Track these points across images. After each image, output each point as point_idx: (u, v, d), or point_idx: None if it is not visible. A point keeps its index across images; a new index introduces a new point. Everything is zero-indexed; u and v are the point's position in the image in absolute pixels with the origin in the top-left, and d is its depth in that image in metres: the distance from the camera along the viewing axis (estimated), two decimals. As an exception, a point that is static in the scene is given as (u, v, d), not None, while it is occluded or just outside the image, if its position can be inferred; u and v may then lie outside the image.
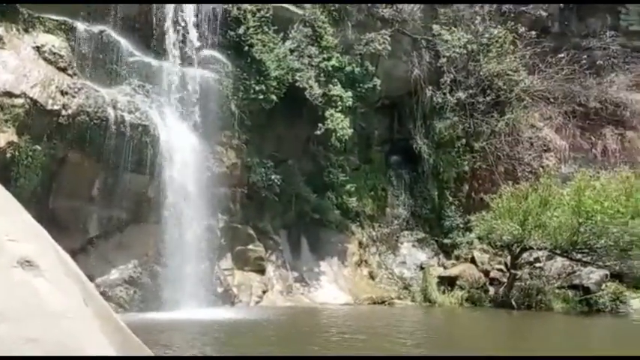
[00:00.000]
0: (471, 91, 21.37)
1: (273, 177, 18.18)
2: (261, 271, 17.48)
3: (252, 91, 17.85)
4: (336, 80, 19.13)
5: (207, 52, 16.46)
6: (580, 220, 16.32)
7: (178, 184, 14.54)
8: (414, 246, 20.43)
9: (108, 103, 13.66)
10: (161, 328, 10.59)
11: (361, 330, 12.70)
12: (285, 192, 18.61)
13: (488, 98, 21.63)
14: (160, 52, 15.53)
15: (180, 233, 14.37)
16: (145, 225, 14.22)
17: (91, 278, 7.78)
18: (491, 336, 13.66)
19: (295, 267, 18.38)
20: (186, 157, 14.85)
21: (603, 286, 16.61)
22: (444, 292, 18.12)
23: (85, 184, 13.55)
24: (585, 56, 22.49)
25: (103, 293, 8.14)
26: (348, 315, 15.04)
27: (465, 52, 21.16)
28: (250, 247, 17.60)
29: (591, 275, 17.07)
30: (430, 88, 21.55)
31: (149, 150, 14.08)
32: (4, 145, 11.77)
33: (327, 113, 18.54)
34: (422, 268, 19.36)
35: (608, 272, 16.86)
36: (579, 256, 17.20)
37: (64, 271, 5.14)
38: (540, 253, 18.35)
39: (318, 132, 18.47)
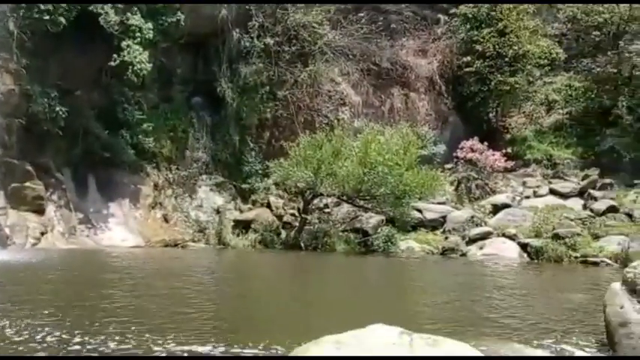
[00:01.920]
0: (277, 39, 21.57)
1: (57, 109, 16.53)
2: (41, 212, 16.02)
3: (36, 10, 15.87)
4: (135, 9, 17.79)
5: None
6: (365, 170, 17.71)
7: None
8: (211, 190, 20.37)
9: None
10: None
11: (148, 269, 12.40)
12: (72, 126, 17.06)
13: (293, 48, 22.05)
14: None
15: None
16: None
17: None
18: (277, 270, 14.56)
19: (80, 208, 17.13)
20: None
21: (379, 230, 18.43)
22: (238, 235, 18.51)
23: None
24: (382, 18, 24.10)
25: None
26: (136, 256, 14.54)
27: (273, -2, 21.19)
28: (28, 184, 15.97)
29: (370, 220, 18.82)
30: (238, 30, 21.24)
31: None
32: None
33: (123, 44, 17.23)
34: (218, 212, 19.46)
35: (384, 217, 18.73)
36: (362, 202, 18.78)
37: None
38: (329, 199, 19.66)
39: (113, 63, 17.12)
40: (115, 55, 17.11)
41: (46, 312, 6.40)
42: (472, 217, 19.01)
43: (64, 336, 5.37)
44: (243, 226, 18.91)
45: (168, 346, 5.25)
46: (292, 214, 19.76)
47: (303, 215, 18.72)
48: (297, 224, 18.91)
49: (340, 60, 23.03)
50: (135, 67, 17.27)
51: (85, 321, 6.12)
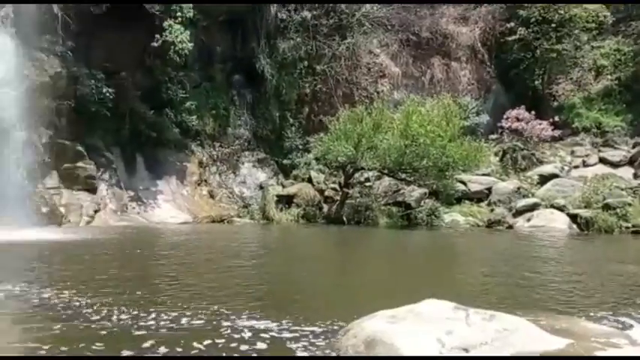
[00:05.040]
0: (315, 12, 21.41)
1: (104, 90, 16.89)
2: (93, 190, 16.55)
3: (78, -10, 16.10)
4: (175, -12, 17.89)
5: (21, -59, 14.30)
6: (406, 143, 17.60)
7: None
8: (254, 166, 20.64)
9: None
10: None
11: (202, 245, 12.75)
12: (119, 107, 17.44)
13: (331, 21, 21.88)
14: None
15: (-7, 148, 12.88)
16: (-51, 138, 12.50)
17: None
18: (323, 245, 14.70)
19: (130, 186, 17.62)
20: (-3, 63, 13.07)
21: (422, 203, 18.39)
22: (281, 210, 18.76)
23: None
24: (421, -14, 23.59)
25: None
26: (187, 232, 14.95)
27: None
28: (79, 164, 16.48)
29: (412, 193, 18.77)
30: (275, 5, 21.17)
31: (-51, 51, 12.15)
32: None
33: (165, 24, 17.42)
34: (261, 188, 19.74)
35: (427, 190, 18.65)
36: (404, 175, 18.71)
37: None
38: (370, 173, 19.65)
39: (155, 44, 17.35)
40: (157, 36, 17.33)
41: (116, 290, 6.71)
42: (518, 188, 18.75)
43: (135, 312, 5.63)
44: (285, 201, 19.15)
45: (237, 321, 5.46)
46: (333, 189, 19.88)
47: (344, 189, 18.80)
48: (338, 198, 19.03)
49: (379, 31, 22.75)
50: (177, 47, 17.48)
51: (155, 297, 6.40)
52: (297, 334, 5.19)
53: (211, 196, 19.24)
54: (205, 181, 19.54)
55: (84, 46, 17.06)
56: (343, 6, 21.94)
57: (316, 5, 21.71)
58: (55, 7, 16.24)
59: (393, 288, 8.26)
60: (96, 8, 16.41)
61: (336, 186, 19.65)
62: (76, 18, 16.39)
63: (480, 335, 4.40)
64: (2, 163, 13.03)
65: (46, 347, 4.60)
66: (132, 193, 17.55)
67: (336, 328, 5.30)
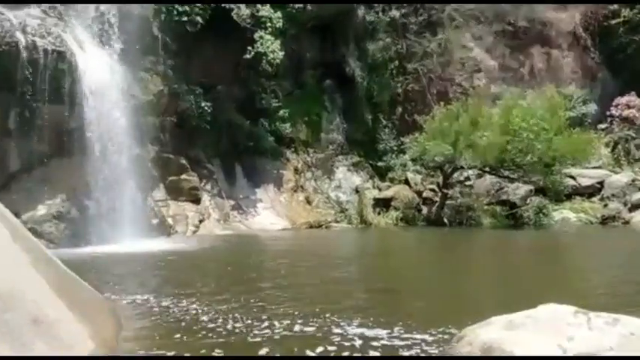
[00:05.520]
0: (403, 10, 21.10)
1: (203, 104, 17.56)
2: (197, 201, 17.22)
3: (175, 12, 16.86)
4: (264, 0, 18.32)
5: (123, -29, 15.22)
6: (508, 139, 16.84)
7: (101, 115, 13.71)
8: (349, 170, 20.63)
9: (16, 27, 12.46)
10: (96, 262, 10.28)
11: (305, 251, 12.88)
12: (217, 119, 18.09)
13: (420, 18, 21.48)
14: (71, -31, 14.19)
15: (108, 165, 13.73)
16: (70, 158, 13.46)
17: (16, 215, 7.31)
18: (426, 248, 14.33)
19: (231, 195, 18.21)
20: (107, 85, 13.96)
21: (528, 201, 17.49)
22: (379, 214, 18.58)
23: (0, 117, 12.58)
24: (514, -26, 22.55)
25: (31, 230, 7.68)
26: (288, 238, 15.18)
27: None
28: (183, 176, 17.21)
29: (517, 191, 17.90)
30: (362, 8, 21.09)
31: (67, 78, 13.09)
32: None
33: (256, 36, 17.87)
34: (357, 192, 19.67)
35: (532, 187, 17.71)
36: (507, 173, 17.91)
37: (-16, 209, 4.71)
38: (470, 172, 18.99)
39: (248, 56, 17.83)
40: (249, 48, 17.82)
41: (229, 298, 6.85)
42: (633, 180, 17.38)
43: (249, 321, 5.71)
44: (383, 204, 18.94)
45: (348, 328, 5.38)
46: (432, 190, 19.41)
47: (443, 190, 18.29)
48: (437, 200, 18.54)
49: (471, 24, 22.01)
50: (268, 57, 17.87)
51: (266, 305, 6.47)
52: (408, 342, 5.05)
53: (308, 201, 19.44)
54: (301, 187, 19.78)
55: (182, 63, 17.85)
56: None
57: (403, 4, 21.39)
58: (155, 29, 17.14)
59: (505, 292, 7.86)
60: (192, 27, 17.13)
61: (435, 187, 19.17)
62: (174, 38, 17.19)
63: (604, 340, 4.06)
64: (117, 179, 13.87)
65: (170, 354, 4.75)
66: (233, 202, 18.11)
67: (447, 335, 5.07)
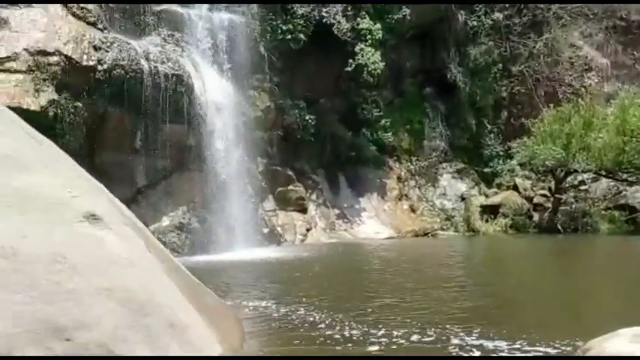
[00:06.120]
0: (506, 12, 20.55)
1: (307, 117, 18.15)
2: (303, 210, 17.81)
3: (279, 31, 17.59)
4: (364, 13, 18.63)
5: (232, -5, 16.19)
6: (625, 139, 15.90)
7: (216, 131, 14.69)
8: (453, 177, 20.35)
9: (141, 55, 13.67)
10: (215, 270, 10.97)
11: (413, 255, 12.93)
12: (320, 131, 18.62)
13: (524, 19, 20.81)
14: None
15: (223, 178, 14.65)
16: (189, 172, 14.54)
17: (145, 226, 8.05)
18: (540, 256, 13.72)
19: (336, 204, 18.63)
20: (220, 104, 14.91)
21: (650, 205, 16.35)
22: (486, 221, 18.16)
23: (128, 137, 13.82)
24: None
25: (158, 240, 8.42)
26: (395, 247, 15.25)
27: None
28: (290, 187, 17.87)
29: (637, 194, 16.80)
30: (462, 12, 20.80)
31: (185, 99, 14.16)
32: (45, 103, 12.00)
33: (357, 48, 18.20)
34: (463, 199, 19.34)
35: (655, 190, 16.53)
36: (625, 175, 16.87)
37: (123, 221, 5.32)
38: (585, 175, 18.07)
39: (349, 68, 18.20)
40: (350, 61, 18.19)
41: (344, 306, 7.09)
42: None
43: (365, 328, 5.91)
44: (490, 211, 18.49)
45: (467, 339, 5.41)
46: (543, 195, 18.67)
47: (555, 195, 17.55)
48: (549, 205, 17.82)
49: (579, 22, 20.99)
50: (369, 69, 18.14)
51: (382, 313, 6.63)
52: (529, 354, 4.96)
53: (412, 210, 19.40)
54: (405, 195, 19.79)
55: (287, 79, 18.59)
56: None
57: (507, 5, 20.82)
58: (262, 49, 18.01)
59: (629, 303, 7.44)
60: (295, 44, 17.80)
61: (546, 192, 18.42)
62: (279, 55, 17.95)
63: None
64: (231, 191, 14.75)
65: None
66: (337, 211, 18.52)
67: (571, 347, 4.94)
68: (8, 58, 11.87)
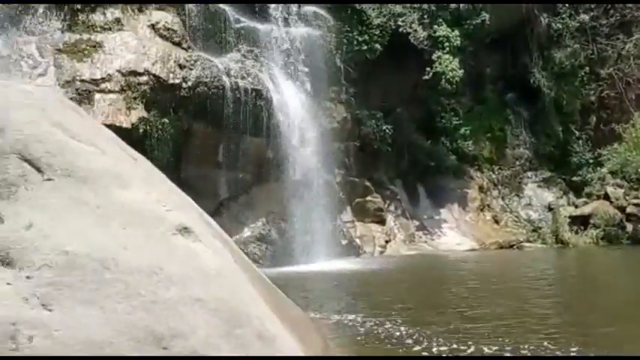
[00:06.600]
0: (593, 13, 19.57)
1: (384, 127, 18.03)
2: (382, 222, 17.63)
3: (355, 42, 17.64)
4: (440, 20, 18.34)
5: (308, 9, 16.42)
6: None
7: (294, 143, 14.89)
8: (539, 186, 19.49)
9: (222, 71, 14.13)
10: (295, 281, 11.04)
11: (499, 268, 12.47)
12: (397, 141, 18.43)
13: (612, 19, 19.75)
14: (265, 16, 15.73)
15: (301, 190, 14.80)
16: (268, 184, 14.80)
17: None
18: (635, 269, 12.81)
19: (415, 215, 18.31)
20: (298, 117, 15.11)
21: None
22: (576, 232, 17.23)
23: (211, 151, 14.29)
24: None
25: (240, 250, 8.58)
26: (479, 260, 14.77)
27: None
28: (368, 198, 17.76)
29: None
30: (545, 15, 20.01)
31: (264, 113, 14.47)
32: (136, 120, 12.66)
33: (434, 56, 17.92)
34: (550, 209, 18.47)
35: None
36: None
37: (212, 234, 5.46)
38: (683, 183, 16.78)
39: (427, 77, 17.93)
40: (427, 69, 17.92)
41: (430, 320, 6.93)
42: None
43: (454, 345, 5.73)
44: (580, 222, 17.54)
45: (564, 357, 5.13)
46: (636, 205, 17.55)
47: (652, 204, 16.38)
48: (645, 215, 16.64)
49: (675, 18, 19.61)
50: (447, 76, 17.80)
51: (470, 328, 6.41)
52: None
53: (496, 221, 18.74)
54: (488, 205, 19.16)
55: (363, 90, 18.56)
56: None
57: (593, 5, 19.84)
58: (338, 60, 18.11)
59: None
60: (371, 54, 17.78)
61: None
62: (355, 66, 17.99)
63: None
64: (309, 203, 14.87)
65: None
66: (417, 223, 18.20)
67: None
68: (103, 80, 12.64)
